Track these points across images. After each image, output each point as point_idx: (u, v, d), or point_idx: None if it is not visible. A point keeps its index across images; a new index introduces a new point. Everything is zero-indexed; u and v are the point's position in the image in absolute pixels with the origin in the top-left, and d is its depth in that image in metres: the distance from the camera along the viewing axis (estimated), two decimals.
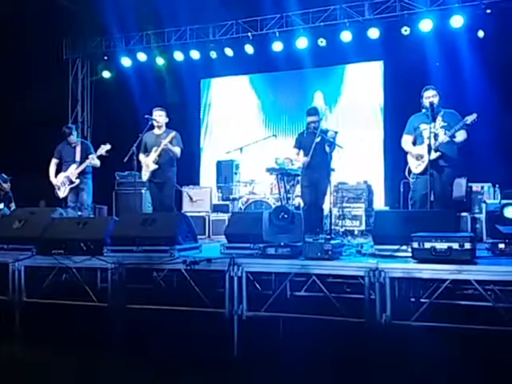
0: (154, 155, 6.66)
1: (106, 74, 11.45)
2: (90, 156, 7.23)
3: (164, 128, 6.88)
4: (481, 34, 8.63)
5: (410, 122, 5.91)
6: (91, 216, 7.44)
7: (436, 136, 5.51)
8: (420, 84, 5.94)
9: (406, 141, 5.88)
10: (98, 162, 7.27)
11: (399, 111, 7.94)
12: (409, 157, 5.84)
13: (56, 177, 7.33)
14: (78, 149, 7.29)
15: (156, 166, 6.66)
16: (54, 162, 7.42)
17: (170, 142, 6.60)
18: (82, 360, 4.23)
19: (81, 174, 7.20)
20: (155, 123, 6.76)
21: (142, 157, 6.79)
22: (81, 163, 7.20)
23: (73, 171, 7.19)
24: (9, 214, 7.59)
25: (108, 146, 7.12)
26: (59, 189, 7.28)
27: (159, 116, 6.80)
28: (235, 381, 3.87)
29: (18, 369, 4.17)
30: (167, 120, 6.92)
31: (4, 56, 9.57)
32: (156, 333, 4.40)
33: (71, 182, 7.19)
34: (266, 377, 3.84)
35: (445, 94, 5.82)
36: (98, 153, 7.18)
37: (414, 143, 5.83)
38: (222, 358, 4.09)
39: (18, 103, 9.87)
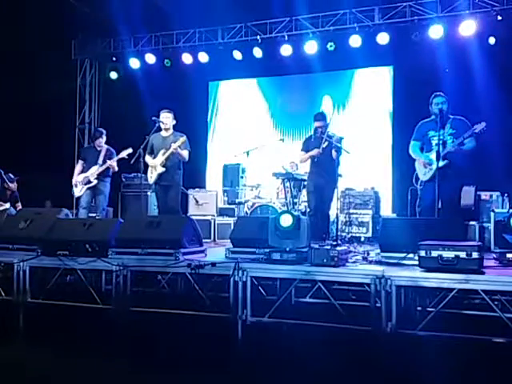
0: (161, 158, 6.65)
1: (114, 75, 11.45)
2: (109, 161, 7.39)
3: (171, 130, 6.87)
4: (492, 40, 8.57)
5: (418, 128, 5.88)
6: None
7: (444, 143, 5.48)
8: (429, 90, 5.91)
9: (414, 147, 5.85)
10: (116, 167, 7.44)
11: (408, 117, 7.90)
12: (416, 164, 5.80)
13: (78, 176, 7.47)
14: (103, 153, 7.47)
15: (163, 169, 6.65)
16: (80, 163, 7.62)
17: (179, 146, 6.60)
18: (84, 362, 4.21)
19: (102, 177, 7.37)
20: (162, 125, 6.76)
21: (148, 158, 6.79)
22: (102, 166, 7.36)
23: (93, 172, 7.34)
24: (15, 214, 7.60)
25: (129, 150, 7.20)
26: (76, 187, 7.42)
27: (166, 118, 6.79)
28: None
29: (21, 369, 4.15)
30: (174, 122, 6.91)
31: (13, 55, 9.60)
32: (159, 336, 4.38)
33: (89, 182, 7.33)
34: (269, 383, 3.81)
35: (454, 101, 5.79)
36: (120, 155, 7.33)
37: (422, 150, 5.79)
38: (226, 362, 4.06)
39: (25, 103, 9.89)
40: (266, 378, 3.86)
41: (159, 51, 10.78)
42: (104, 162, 7.38)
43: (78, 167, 7.57)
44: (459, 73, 8.47)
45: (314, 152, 6.67)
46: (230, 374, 3.97)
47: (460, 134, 5.46)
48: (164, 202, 6.78)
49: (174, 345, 4.31)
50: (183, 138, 6.64)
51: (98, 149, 7.52)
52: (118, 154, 7.40)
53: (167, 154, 6.61)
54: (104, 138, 7.63)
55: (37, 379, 3.92)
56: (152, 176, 6.79)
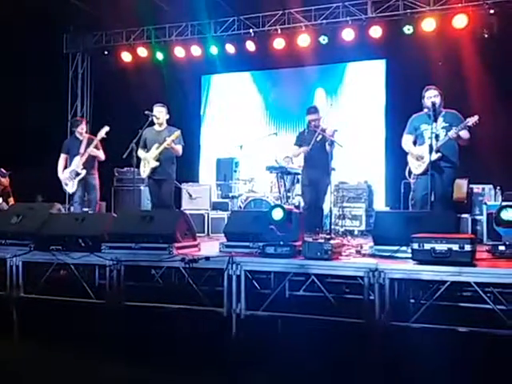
0: (155, 152, 6.64)
1: (106, 69, 11.36)
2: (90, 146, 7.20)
3: (165, 124, 6.85)
4: (485, 33, 8.59)
5: (410, 121, 5.88)
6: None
7: (437, 137, 5.49)
8: (422, 83, 5.90)
9: (407, 141, 5.85)
10: (100, 153, 7.24)
11: (401, 110, 7.88)
12: (409, 157, 5.81)
13: (63, 172, 7.28)
14: (84, 142, 7.25)
15: (157, 163, 6.64)
16: (62, 157, 7.37)
17: (173, 141, 6.58)
18: (78, 357, 4.21)
19: (89, 168, 7.16)
20: (155, 120, 6.74)
21: (141, 153, 6.76)
22: (83, 154, 7.16)
23: (77, 163, 7.15)
24: (7, 208, 7.55)
25: (106, 128, 7.09)
26: (67, 184, 7.24)
27: (159, 112, 6.77)
28: (232, 380, 3.85)
29: (15, 365, 4.15)
30: (167, 116, 6.89)
31: (4, 50, 9.52)
32: (154, 331, 4.38)
33: (77, 174, 7.14)
34: (264, 376, 3.82)
35: (447, 94, 5.79)
36: (99, 136, 7.14)
37: (415, 143, 5.80)
38: (220, 356, 4.07)
39: (17, 97, 9.81)
40: (260, 371, 3.87)
41: (151, 45, 10.73)
42: (85, 150, 7.17)
43: (61, 162, 7.33)
44: (452, 66, 8.48)
45: (303, 149, 6.70)
46: (224, 368, 3.98)
47: (453, 128, 5.48)
48: (157, 196, 6.77)
49: (169, 339, 4.32)
50: (177, 133, 6.62)
51: (80, 138, 7.30)
52: (108, 148, 7.24)
53: (161, 149, 6.59)
54: (84, 125, 7.45)
55: (30, 374, 3.92)
56: (145, 170, 6.77)
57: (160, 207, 6.64)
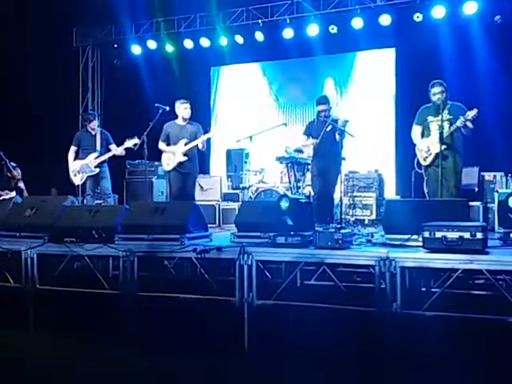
0: (183, 148, 6.70)
1: (117, 62, 11.42)
2: (111, 146, 7.27)
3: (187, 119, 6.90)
4: (497, 18, 8.49)
5: (419, 112, 5.96)
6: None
7: (441, 129, 5.54)
8: (433, 71, 5.94)
9: (415, 131, 5.92)
10: (124, 153, 7.31)
11: (411, 99, 7.84)
12: (416, 149, 5.87)
13: (73, 163, 7.32)
14: (98, 137, 7.29)
15: (185, 158, 6.73)
16: (73, 149, 7.41)
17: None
18: (93, 346, 4.28)
19: (99, 163, 7.21)
20: (186, 116, 6.78)
21: (163, 146, 6.82)
22: (101, 152, 7.21)
23: (92, 160, 7.19)
24: (21, 201, 7.62)
25: (136, 140, 7.00)
26: (75, 176, 7.27)
27: (188, 110, 6.83)
28: (245, 369, 3.90)
29: (31, 356, 4.23)
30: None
31: (15, 44, 9.59)
32: (167, 320, 4.43)
33: (90, 171, 7.19)
34: (276, 365, 3.86)
35: (457, 83, 5.81)
36: (126, 145, 7.14)
37: (423, 134, 5.85)
38: (232, 345, 4.12)
39: (28, 91, 9.88)
40: (273, 361, 3.91)
41: (160, 37, 10.73)
42: (102, 147, 7.23)
43: (72, 154, 7.37)
44: (462, 53, 8.40)
45: (311, 142, 6.70)
46: (237, 357, 4.03)
47: (457, 120, 5.54)
48: (182, 188, 6.82)
49: (181, 329, 4.36)
50: (209, 134, 6.77)
51: (93, 133, 7.34)
52: (120, 141, 7.22)
53: (191, 145, 6.69)
54: (96, 121, 7.46)
55: (46, 365, 3.99)
56: (169, 163, 6.82)
57: (184, 199, 6.65)
